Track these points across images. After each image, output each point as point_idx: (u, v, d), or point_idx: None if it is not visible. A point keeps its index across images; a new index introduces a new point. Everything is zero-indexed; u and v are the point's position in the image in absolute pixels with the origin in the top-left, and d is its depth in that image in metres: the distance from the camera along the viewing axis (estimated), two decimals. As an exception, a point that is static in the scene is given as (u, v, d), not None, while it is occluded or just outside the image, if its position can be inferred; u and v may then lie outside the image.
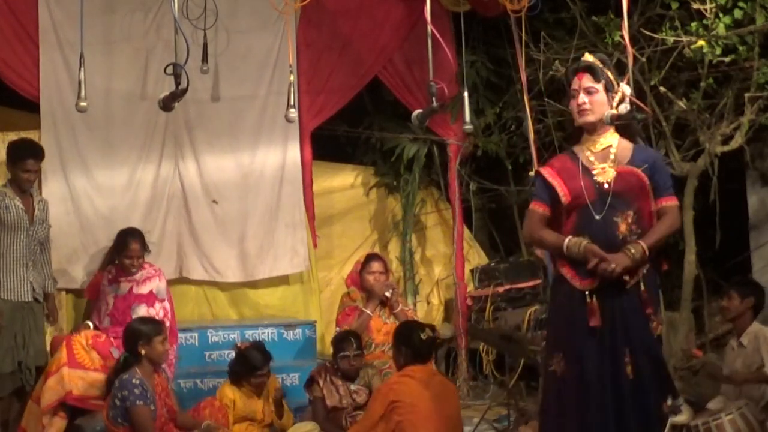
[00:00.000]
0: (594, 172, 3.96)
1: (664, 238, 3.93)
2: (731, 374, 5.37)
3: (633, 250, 3.82)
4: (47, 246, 6.03)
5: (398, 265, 7.85)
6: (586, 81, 3.94)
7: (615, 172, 3.92)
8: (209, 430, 5.16)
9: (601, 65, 3.95)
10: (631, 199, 3.90)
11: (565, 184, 3.98)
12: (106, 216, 6.72)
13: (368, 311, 6.07)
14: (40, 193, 6.23)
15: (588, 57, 4.01)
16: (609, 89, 3.92)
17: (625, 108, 3.89)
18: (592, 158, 3.99)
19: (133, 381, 4.92)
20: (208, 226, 7.05)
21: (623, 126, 3.94)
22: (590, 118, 3.94)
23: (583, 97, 3.94)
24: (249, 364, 5.46)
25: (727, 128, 6.59)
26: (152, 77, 6.80)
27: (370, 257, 6.40)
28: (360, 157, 8.34)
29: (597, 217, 3.90)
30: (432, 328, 5.22)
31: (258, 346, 5.61)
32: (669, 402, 3.92)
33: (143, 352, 5.02)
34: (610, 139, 3.97)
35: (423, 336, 5.00)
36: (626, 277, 3.85)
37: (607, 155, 3.96)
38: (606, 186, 3.92)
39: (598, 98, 3.92)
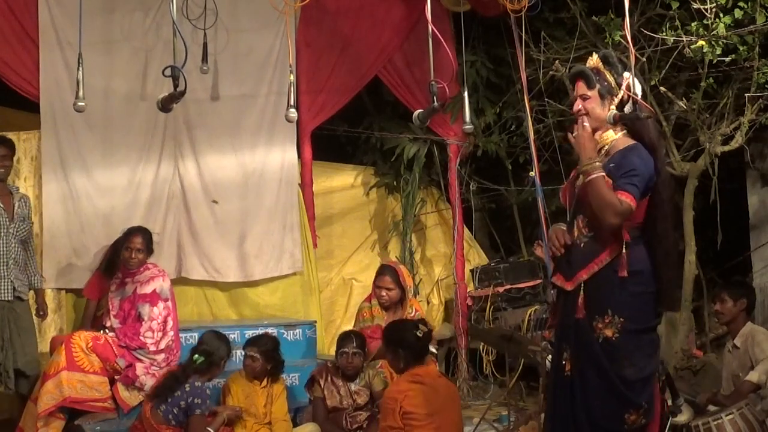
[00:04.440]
0: (580, 176, 3.98)
1: (597, 195, 3.71)
2: (721, 397, 5.38)
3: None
4: (31, 243, 6.00)
5: (398, 265, 7.86)
6: (581, 88, 3.94)
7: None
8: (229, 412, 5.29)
9: (598, 69, 3.91)
10: (588, 202, 3.85)
11: (566, 188, 4.07)
12: (106, 216, 6.72)
13: None
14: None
15: (591, 59, 3.98)
16: (604, 94, 3.88)
17: (629, 108, 3.85)
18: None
19: (207, 391, 5.07)
20: (207, 226, 7.05)
21: (631, 126, 3.89)
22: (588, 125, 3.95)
23: (578, 105, 3.96)
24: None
25: (727, 128, 6.59)
26: (152, 77, 6.80)
27: (381, 270, 6.13)
28: (360, 157, 8.35)
29: (569, 220, 3.96)
30: (423, 322, 5.00)
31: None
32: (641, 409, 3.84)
33: (222, 364, 5.26)
34: (606, 141, 3.92)
35: (419, 333, 4.77)
36: (565, 283, 3.87)
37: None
38: (576, 190, 3.94)
39: (591, 104, 3.91)
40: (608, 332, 3.74)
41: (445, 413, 4.64)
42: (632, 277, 3.76)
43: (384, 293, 5.98)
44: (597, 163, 3.75)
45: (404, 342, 4.74)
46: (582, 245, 3.84)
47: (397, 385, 4.75)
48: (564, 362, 3.87)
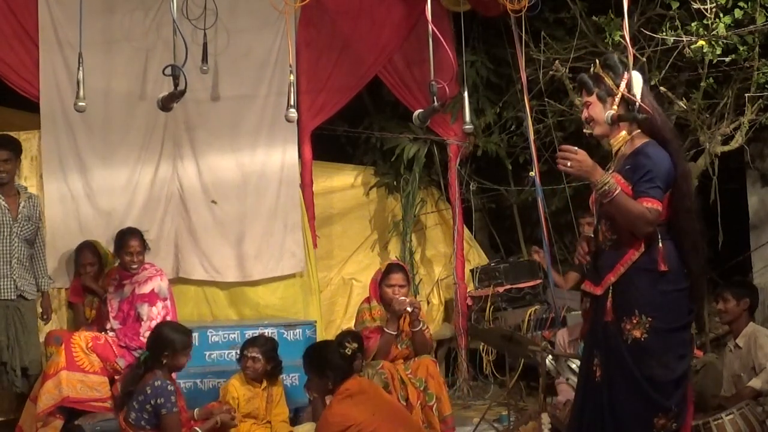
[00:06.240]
0: None
1: (623, 211, 3.68)
2: (722, 398, 5.38)
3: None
4: (39, 243, 5.98)
5: (398, 265, 7.85)
6: (584, 96, 3.96)
7: None
8: (223, 415, 5.13)
9: (597, 74, 3.90)
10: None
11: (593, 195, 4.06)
12: (105, 216, 6.72)
13: (390, 331, 5.62)
14: (40, 193, 6.22)
15: (595, 66, 3.96)
16: (603, 97, 3.86)
17: (629, 106, 3.81)
18: (612, 166, 3.95)
19: (168, 388, 4.76)
20: (207, 227, 7.04)
21: (643, 124, 3.84)
22: (595, 131, 3.94)
23: (584, 113, 3.96)
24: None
25: (727, 128, 6.60)
26: (152, 77, 6.80)
27: (390, 268, 5.89)
28: (360, 157, 8.35)
29: (595, 226, 3.97)
30: (349, 338, 4.90)
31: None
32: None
33: (165, 361, 4.86)
34: (619, 143, 3.90)
35: (347, 352, 4.70)
36: (594, 288, 3.87)
37: (616, 161, 3.93)
38: (597, 196, 3.91)
39: (594, 110, 3.91)
40: (637, 333, 3.71)
41: (381, 404, 4.66)
42: (660, 275, 3.73)
43: (398, 291, 5.76)
44: (610, 181, 3.68)
45: (331, 363, 4.66)
46: (607, 249, 3.85)
47: (330, 409, 4.62)
48: (594, 368, 3.84)
